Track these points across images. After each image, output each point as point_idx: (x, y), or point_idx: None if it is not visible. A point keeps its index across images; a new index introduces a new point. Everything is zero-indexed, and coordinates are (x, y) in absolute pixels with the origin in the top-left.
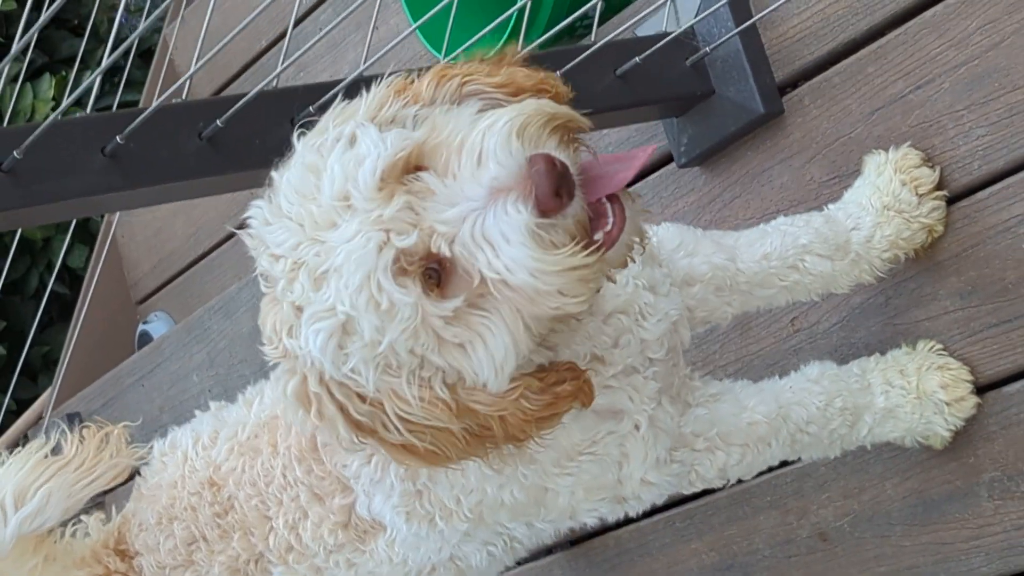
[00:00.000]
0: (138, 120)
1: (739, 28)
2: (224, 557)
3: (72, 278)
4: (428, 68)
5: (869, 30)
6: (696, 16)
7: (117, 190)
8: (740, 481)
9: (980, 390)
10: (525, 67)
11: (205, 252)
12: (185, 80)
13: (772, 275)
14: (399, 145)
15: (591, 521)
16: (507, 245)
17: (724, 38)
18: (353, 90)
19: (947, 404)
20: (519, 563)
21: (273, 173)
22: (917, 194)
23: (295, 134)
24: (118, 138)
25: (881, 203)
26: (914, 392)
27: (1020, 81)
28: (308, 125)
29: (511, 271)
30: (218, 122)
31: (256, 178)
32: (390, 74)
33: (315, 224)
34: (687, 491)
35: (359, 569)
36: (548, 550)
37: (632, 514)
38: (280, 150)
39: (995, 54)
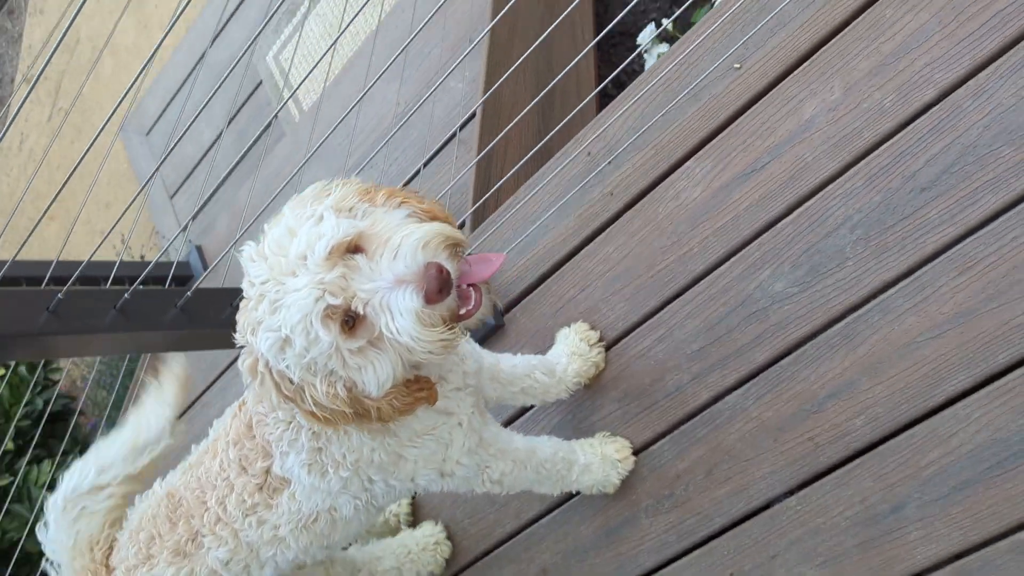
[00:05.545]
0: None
1: None
2: (170, 543)
3: None
4: (381, 187)
5: (549, 269)
6: None
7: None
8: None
9: (636, 452)
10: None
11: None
12: None
13: (517, 376)
14: (347, 231)
15: (423, 484)
16: (400, 317)
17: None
18: None
19: (619, 461)
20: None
21: (265, 225)
22: (588, 345)
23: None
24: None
25: (570, 351)
26: (599, 455)
27: (638, 274)
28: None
29: (399, 333)
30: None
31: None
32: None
33: (281, 270)
34: (479, 489)
35: (266, 525)
36: None
37: (447, 490)
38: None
39: (624, 264)
